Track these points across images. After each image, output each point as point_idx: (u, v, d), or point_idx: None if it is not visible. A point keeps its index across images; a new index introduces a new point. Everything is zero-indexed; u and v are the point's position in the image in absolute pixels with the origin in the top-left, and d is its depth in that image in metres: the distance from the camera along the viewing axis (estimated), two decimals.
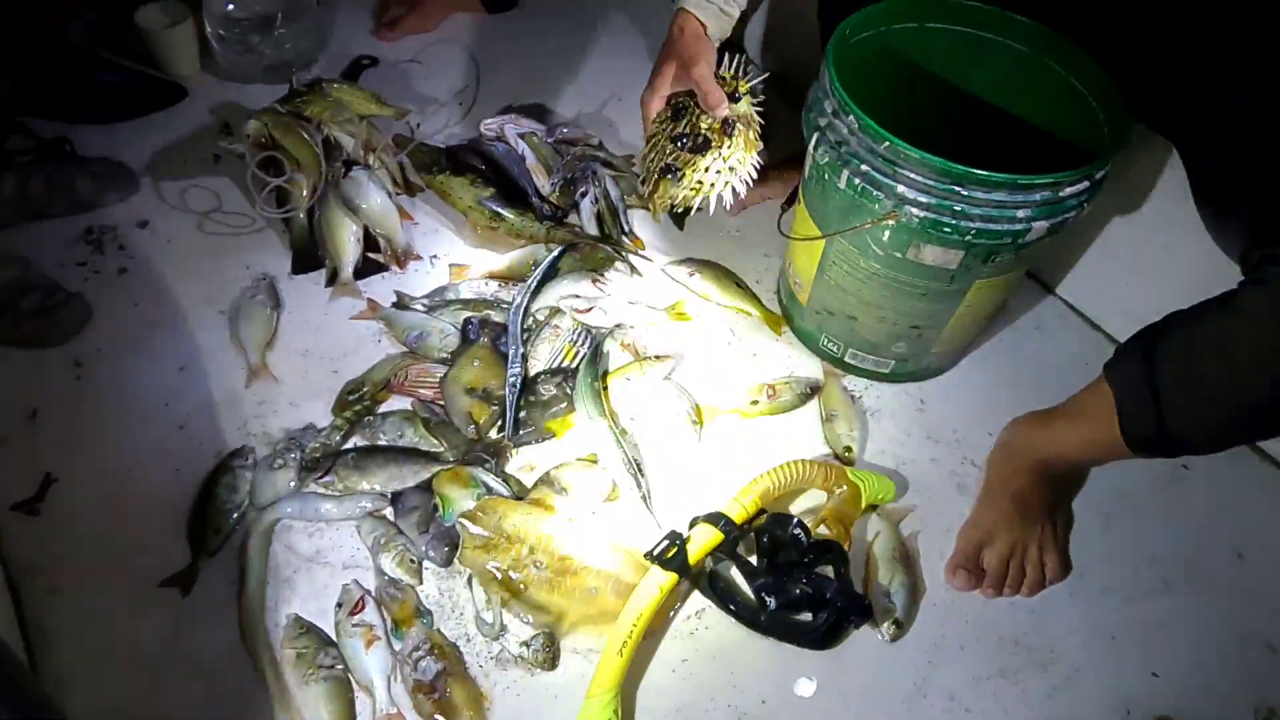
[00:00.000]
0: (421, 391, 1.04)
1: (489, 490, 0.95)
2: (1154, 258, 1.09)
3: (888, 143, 0.84)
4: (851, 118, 0.87)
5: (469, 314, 1.11)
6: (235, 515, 0.93)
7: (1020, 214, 0.85)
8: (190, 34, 1.38)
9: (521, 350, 1.06)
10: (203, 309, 1.12)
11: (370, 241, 1.18)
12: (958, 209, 0.84)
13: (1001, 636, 0.92)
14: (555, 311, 1.13)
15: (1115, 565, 0.98)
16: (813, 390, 1.09)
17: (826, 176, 0.92)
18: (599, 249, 1.20)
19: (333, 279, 1.15)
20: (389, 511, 0.95)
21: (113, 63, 1.37)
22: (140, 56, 1.38)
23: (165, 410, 1.02)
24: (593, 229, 1.22)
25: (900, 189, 0.86)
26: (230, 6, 1.35)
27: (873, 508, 0.99)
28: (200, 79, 1.42)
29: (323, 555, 0.92)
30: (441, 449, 0.99)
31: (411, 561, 0.90)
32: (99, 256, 1.17)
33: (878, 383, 1.12)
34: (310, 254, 1.17)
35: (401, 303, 1.14)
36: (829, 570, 0.90)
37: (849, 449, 1.03)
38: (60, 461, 0.97)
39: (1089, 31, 0.96)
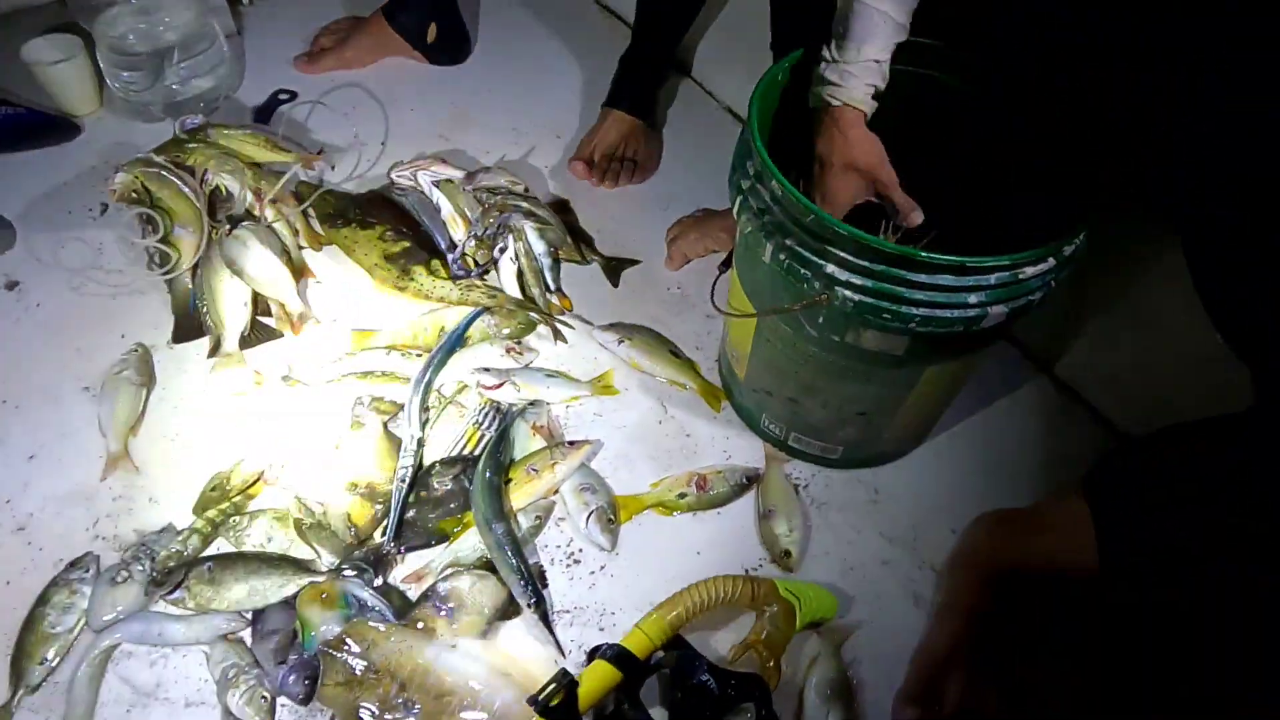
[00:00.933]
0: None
1: (361, 609, 0.82)
2: (1143, 321, 0.96)
3: (814, 216, 0.71)
4: (775, 183, 0.74)
5: (364, 389, 0.98)
6: (70, 638, 0.81)
7: (973, 299, 0.71)
8: (85, 69, 1.26)
9: (418, 436, 0.94)
10: (67, 385, 1.00)
11: (263, 303, 1.06)
12: (898, 294, 0.71)
13: None
14: (462, 387, 1.00)
15: None
16: (749, 480, 0.95)
17: (752, 247, 0.79)
18: (519, 312, 1.08)
19: (216, 349, 1.03)
20: (248, 634, 0.83)
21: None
22: (36, 95, 1.27)
23: (5, 509, 0.90)
24: (513, 289, 1.09)
25: (830, 269, 0.72)
26: (131, 38, 1.23)
27: (813, 625, 0.86)
28: (99, 117, 1.30)
29: (163, 689, 0.79)
30: (315, 557, 0.87)
31: (263, 699, 0.77)
32: None
33: (827, 468, 0.99)
34: (193, 321, 1.05)
35: (291, 376, 1.01)
36: (749, 713, 0.76)
37: (788, 553, 0.90)
38: None
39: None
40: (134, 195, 1.03)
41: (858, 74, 0.78)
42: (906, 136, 0.82)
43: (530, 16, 1.56)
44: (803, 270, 0.74)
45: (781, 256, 0.75)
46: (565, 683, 0.73)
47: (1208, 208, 0.71)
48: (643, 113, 1.29)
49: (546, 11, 1.56)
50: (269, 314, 1.06)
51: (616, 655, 0.75)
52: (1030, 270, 0.71)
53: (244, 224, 1.05)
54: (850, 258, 0.71)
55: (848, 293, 0.72)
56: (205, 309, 1.04)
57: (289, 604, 0.83)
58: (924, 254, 0.68)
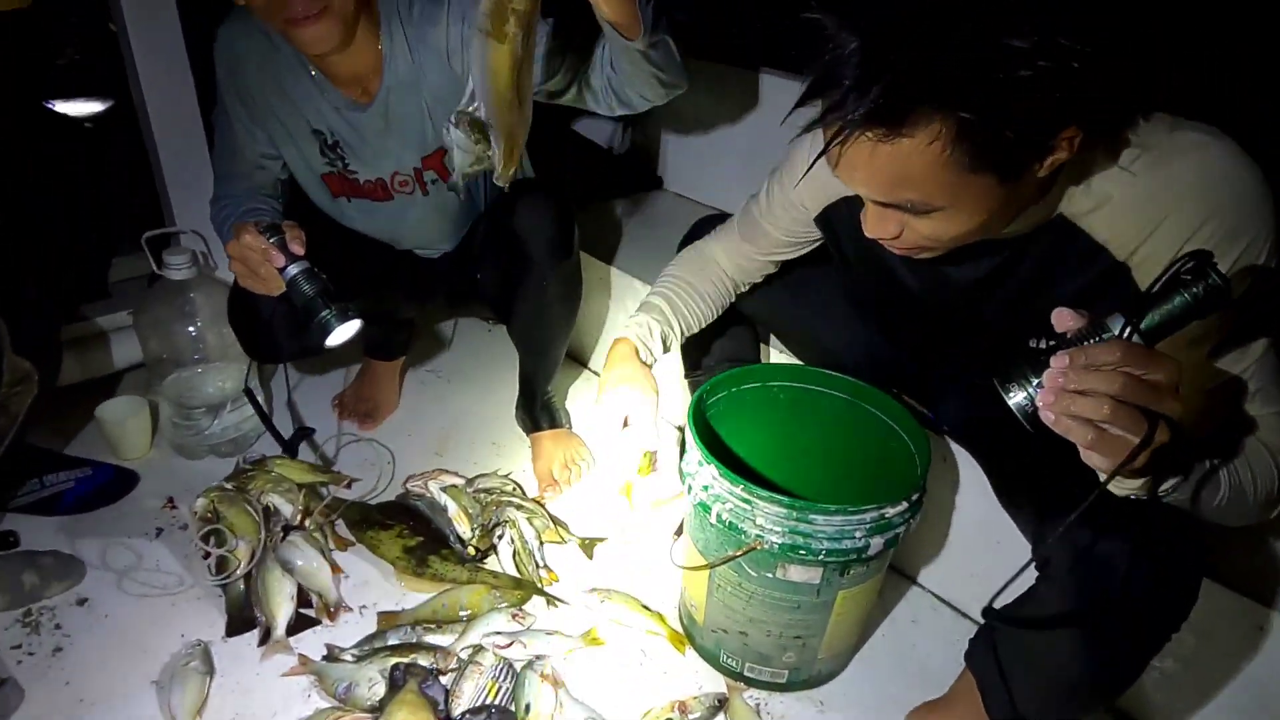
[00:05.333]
0: None
1: None
2: (989, 546, 1.29)
3: (742, 486, 1.04)
4: (711, 467, 1.08)
5: (396, 660, 1.19)
6: None
7: (859, 534, 1.03)
8: (146, 423, 1.56)
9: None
10: (136, 680, 1.17)
11: (303, 598, 1.28)
12: (807, 534, 1.03)
13: None
14: (478, 649, 1.22)
15: None
16: (721, 703, 1.18)
17: (700, 514, 1.10)
18: (517, 586, 1.33)
19: (266, 638, 1.23)
20: None
21: (66, 458, 1.51)
22: (94, 440, 1.55)
23: None
24: (510, 568, 1.36)
25: (760, 521, 1.04)
26: (190, 394, 1.55)
27: None
28: (149, 458, 1.57)
29: None
30: None
31: None
32: (35, 638, 1.22)
33: (779, 693, 1.22)
34: (245, 616, 1.26)
35: (332, 655, 1.21)
36: None
37: None
38: None
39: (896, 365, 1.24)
40: (208, 515, 1.29)
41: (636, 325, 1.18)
42: None
43: (492, 344, 1.97)
44: (740, 525, 1.06)
45: (724, 517, 1.07)
46: None
47: (1016, 508, 1.07)
48: (562, 422, 1.65)
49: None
50: (309, 605, 1.28)
51: None
52: (893, 511, 1.05)
53: (294, 531, 1.30)
54: (772, 511, 1.03)
55: (774, 539, 1.04)
56: (257, 604, 1.25)
57: None
58: (819, 504, 1.02)
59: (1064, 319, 0.70)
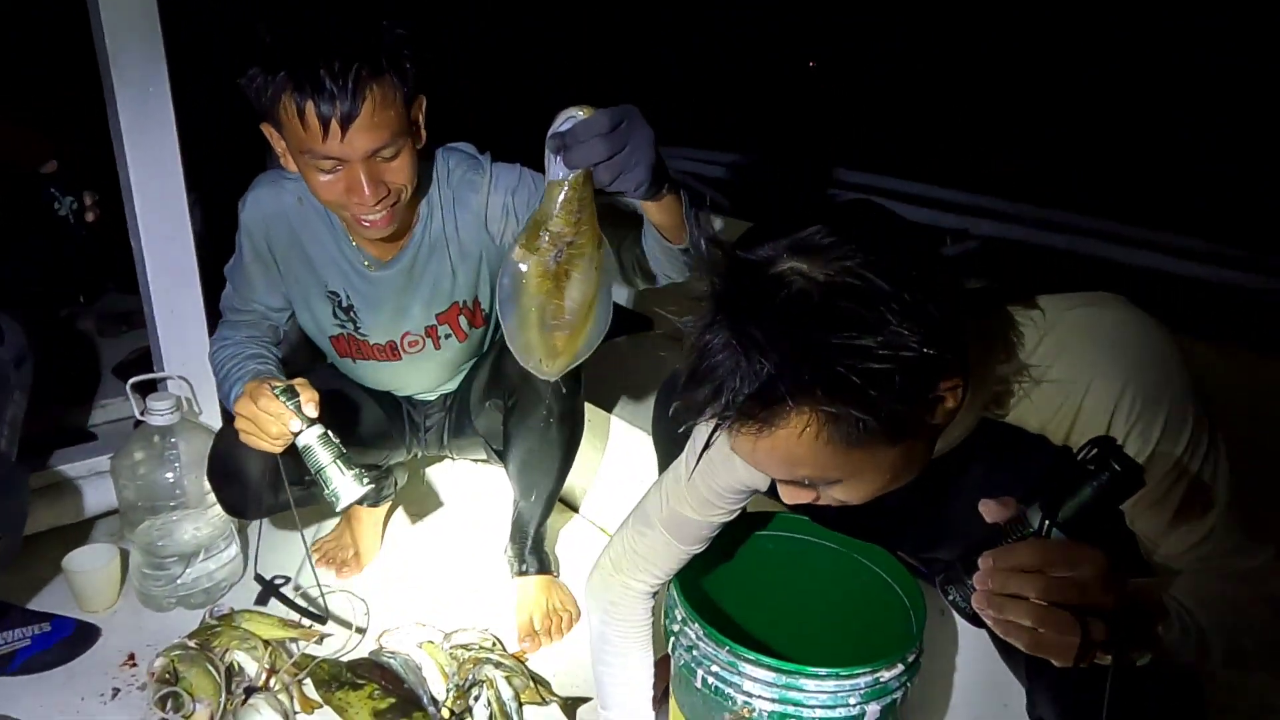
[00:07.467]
0: None
1: None
2: (995, 709, 1.21)
3: (728, 648, 0.99)
4: (696, 625, 1.02)
5: None
6: None
7: (853, 700, 0.97)
8: (115, 573, 1.50)
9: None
10: None
11: None
12: (798, 702, 0.96)
13: None
14: None
15: None
16: None
17: (685, 677, 1.04)
18: None
19: None
20: None
21: (25, 613, 1.43)
22: (62, 591, 1.49)
23: None
24: None
25: (747, 686, 0.98)
26: (164, 543, 1.50)
27: None
28: (113, 611, 1.50)
29: None
30: None
31: None
32: None
33: None
34: None
35: None
36: None
37: None
38: None
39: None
40: (167, 676, 1.22)
41: None
42: None
43: (480, 487, 1.93)
44: (727, 690, 0.99)
45: (710, 681, 1.00)
46: None
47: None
48: (550, 569, 1.59)
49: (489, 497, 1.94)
50: None
51: None
52: (889, 674, 0.99)
53: (256, 693, 1.23)
54: (760, 675, 0.97)
55: (763, 704, 0.97)
56: None
57: None
58: (809, 668, 0.96)
59: (990, 510, 0.69)
